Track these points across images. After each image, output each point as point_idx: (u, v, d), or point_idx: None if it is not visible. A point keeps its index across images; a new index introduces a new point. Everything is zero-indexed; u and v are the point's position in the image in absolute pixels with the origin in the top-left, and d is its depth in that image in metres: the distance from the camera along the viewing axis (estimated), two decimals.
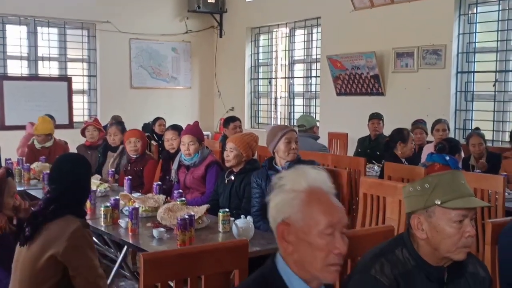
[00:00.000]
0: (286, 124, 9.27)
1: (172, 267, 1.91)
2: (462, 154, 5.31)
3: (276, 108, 9.60)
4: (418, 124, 6.27)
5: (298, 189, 1.54)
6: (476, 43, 6.56)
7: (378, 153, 6.13)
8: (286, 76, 9.34)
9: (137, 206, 3.43)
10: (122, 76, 9.45)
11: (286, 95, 9.37)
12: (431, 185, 1.77)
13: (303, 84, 9.04)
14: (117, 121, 6.35)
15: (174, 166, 4.73)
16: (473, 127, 6.48)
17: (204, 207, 3.44)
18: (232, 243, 2.01)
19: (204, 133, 5.13)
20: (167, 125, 6.45)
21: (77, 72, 9.25)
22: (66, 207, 2.54)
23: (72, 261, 2.43)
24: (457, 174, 1.82)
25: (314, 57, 8.72)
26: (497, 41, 6.33)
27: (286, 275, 1.53)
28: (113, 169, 5.21)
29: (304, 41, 8.88)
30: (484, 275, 1.89)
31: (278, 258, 1.57)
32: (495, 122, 6.44)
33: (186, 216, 3.00)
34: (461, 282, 1.82)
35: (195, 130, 4.60)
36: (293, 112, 9.21)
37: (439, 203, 1.75)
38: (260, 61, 9.85)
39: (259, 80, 9.90)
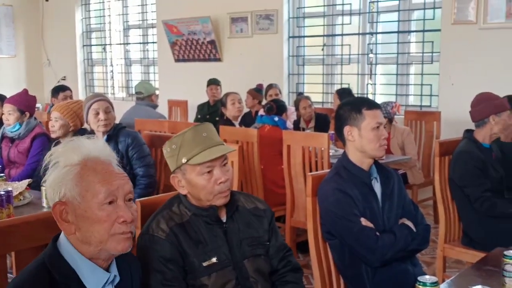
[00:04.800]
0: (124, 92, 8.94)
1: None
2: (294, 116, 5.55)
3: (112, 76, 9.18)
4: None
5: (71, 163, 1.44)
6: (305, 8, 6.82)
7: (217, 118, 6.14)
8: (122, 42, 8.94)
9: None
10: None
11: (123, 62, 8.98)
12: (177, 145, 1.85)
13: (140, 51, 8.73)
14: None
15: None
16: (304, 91, 6.79)
17: (26, 181, 3.15)
18: (45, 215, 1.81)
19: None
20: None
21: None
22: None
23: None
24: (198, 129, 1.87)
25: (150, 22, 8.43)
26: (324, 6, 6.63)
27: (70, 257, 1.43)
28: None
29: (140, 5, 8.53)
30: (264, 207, 2.03)
31: (61, 239, 1.46)
32: (324, 85, 6.80)
33: (2, 192, 2.75)
34: (241, 218, 1.94)
35: (17, 99, 4.20)
36: (131, 80, 8.87)
37: (185, 161, 1.84)
38: (92, 26, 9.30)
39: (93, 46, 9.36)
